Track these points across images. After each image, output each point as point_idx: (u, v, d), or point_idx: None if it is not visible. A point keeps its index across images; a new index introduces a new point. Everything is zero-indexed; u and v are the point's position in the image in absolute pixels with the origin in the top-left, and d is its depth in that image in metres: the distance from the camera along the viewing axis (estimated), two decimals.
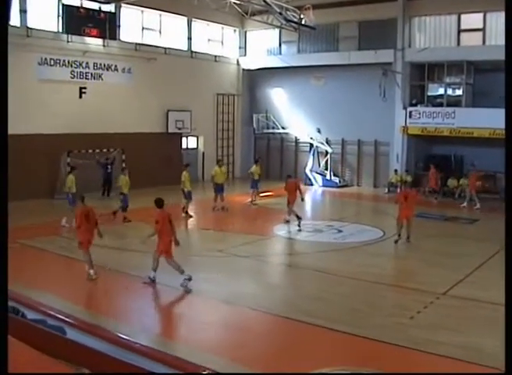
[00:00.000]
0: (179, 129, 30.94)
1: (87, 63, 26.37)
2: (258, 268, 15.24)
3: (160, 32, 30.46)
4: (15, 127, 19.48)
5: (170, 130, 30.51)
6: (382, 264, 15.41)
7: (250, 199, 25.26)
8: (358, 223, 21.34)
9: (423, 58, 28.60)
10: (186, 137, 32.35)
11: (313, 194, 30.47)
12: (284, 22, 27.91)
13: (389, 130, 29.81)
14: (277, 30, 32.87)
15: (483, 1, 26.32)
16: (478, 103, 27.74)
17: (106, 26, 25.99)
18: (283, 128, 33.67)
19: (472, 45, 27.48)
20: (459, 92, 28.93)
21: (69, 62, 25.65)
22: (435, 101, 29.18)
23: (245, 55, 35.37)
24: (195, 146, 33.39)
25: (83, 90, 26.37)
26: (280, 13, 27.21)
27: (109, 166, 26.18)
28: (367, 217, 23.68)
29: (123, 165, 26.07)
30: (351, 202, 28.43)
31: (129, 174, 20.77)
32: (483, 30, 27.14)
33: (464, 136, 27.09)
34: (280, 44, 34.13)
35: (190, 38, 32.08)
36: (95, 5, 25.67)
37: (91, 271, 13.12)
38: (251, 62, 34.95)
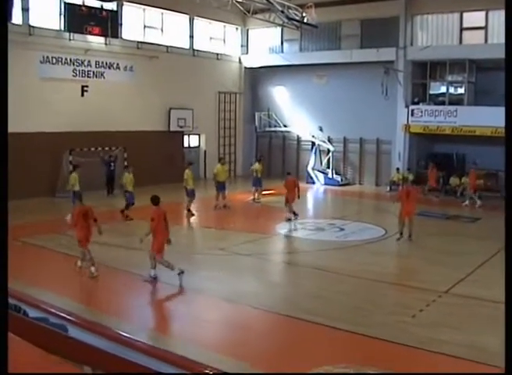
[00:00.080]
0: (181, 127, 30.94)
1: (88, 61, 26.39)
2: (260, 266, 15.24)
3: (162, 30, 30.44)
4: (17, 125, 19.63)
5: (172, 129, 30.52)
6: (384, 262, 15.41)
7: (251, 197, 25.26)
8: (360, 221, 21.33)
9: (425, 57, 28.57)
10: (188, 135, 32.34)
11: (315, 193, 30.47)
12: (286, 20, 27.90)
13: (391, 128, 29.79)
14: (279, 29, 32.84)
15: None
16: (480, 101, 27.71)
17: (108, 24, 26.01)
18: (285, 126, 33.67)
19: (474, 44, 27.46)
20: (461, 90, 28.90)
21: (71, 60, 25.66)
22: (437, 100, 29.16)
23: (247, 53, 35.35)
24: (197, 144, 33.39)
25: (85, 88, 26.40)
26: (282, 11, 27.21)
27: (112, 164, 26.25)
28: (369, 215, 23.67)
29: (125, 163, 26.12)
30: (353, 201, 28.41)
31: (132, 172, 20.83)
32: (485, 28, 27.10)
33: (466, 134, 27.08)
34: (282, 43, 34.10)
35: (191, 36, 32.06)
36: (97, 4, 25.64)
37: (92, 268, 13.15)
38: (253, 61, 34.93)
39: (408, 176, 27.08)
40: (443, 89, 29.31)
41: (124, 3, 27.70)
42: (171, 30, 30.96)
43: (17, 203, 18.23)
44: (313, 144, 32.60)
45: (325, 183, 31.66)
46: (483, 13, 27.12)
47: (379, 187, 30.96)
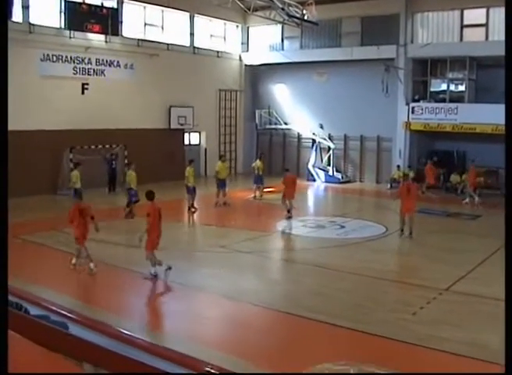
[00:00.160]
0: (182, 125, 30.94)
1: (89, 59, 26.38)
2: (260, 264, 15.25)
3: (162, 28, 30.43)
4: (17, 123, 19.63)
5: (172, 126, 30.51)
6: (385, 260, 15.42)
7: (252, 195, 25.27)
8: (361, 218, 21.32)
9: (426, 54, 28.52)
10: (189, 133, 32.34)
11: (315, 190, 30.48)
12: (286, 17, 27.88)
13: (392, 125, 29.77)
14: (279, 26, 32.82)
15: None
16: (481, 99, 27.69)
17: (108, 22, 25.97)
18: (286, 124, 33.65)
19: (475, 41, 27.42)
20: (461, 88, 28.87)
21: (71, 58, 25.66)
22: (438, 97, 29.13)
23: (247, 50, 35.33)
24: (197, 142, 33.38)
25: (86, 86, 26.40)
26: (283, 9, 27.18)
27: (114, 162, 26.28)
28: (369, 213, 23.66)
29: (126, 161, 26.14)
30: (354, 198, 28.39)
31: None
32: (486, 25, 27.07)
33: (467, 132, 27.07)
34: (283, 40, 34.08)
35: (192, 34, 32.04)
36: (97, 1, 25.70)
37: (91, 264, 13.18)
38: (254, 58, 34.91)
39: (409, 173, 27.07)
40: (444, 86, 29.29)
41: (124, 1, 27.71)
42: (171, 27, 30.94)
43: (18, 201, 18.25)
44: (313, 141, 32.59)
45: (326, 181, 31.65)
46: (484, 10, 27.10)
47: (380, 185, 30.95)
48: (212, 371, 3.99)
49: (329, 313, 10.66)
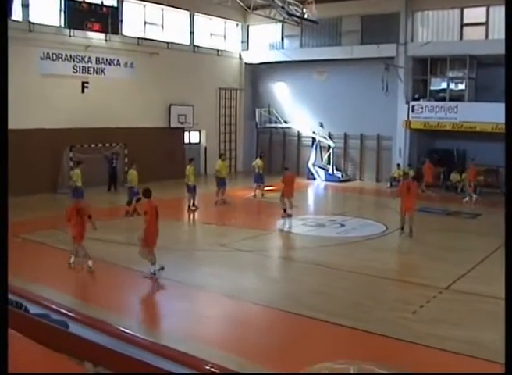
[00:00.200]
0: (182, 123, 30.93)
1: (89, 58, 26.36)
2: (261, 262, 15.25)
3: (162, 26, 30.41)
4: (17, 122, 19.62)
5: (172, 125, 30.51)
6: (385, 258, 15.42)
7: (252, 193, 25.27)
8: (361, 217, 21.32)
9: (426, 53, 28.51)
10: (189, 131, 32.33)
11: (315, 189, 30.48)
12: (286, 16, 27.86)
13: (392, 124, 29.77)
14: (279, 25, 32.79)
15: None
16: (481, 97, 27.68)
17: (108, 20, 25.96)
18: (286, 122, 33.63)
19: (475, 39, 27.41)
20: (461, 86, 28.87)
21: (71, 56, 25.64)
22: (438, 96, 29.12)
23: (247, 49, 35.31)
24: (197, 141, 33.38)
25: (86, 84, 26.39)
26: (283, 7, 27.16)
27: (115, 161, 26.29)
28: (369, 211, 23.67)
29: (125, 160, 26.15)
30: (354, 197, 28.40)
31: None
32: (486, 24, 27.05)
33: (467, 130, 27.06)
34: (283, 39, 34.06)
35: (192, 33, 32.02)
36: (97, 0, 25.62)
37: (89, 262, 13.19)
38: (254, 57, 34.90)
39: (409, 172, 27.07)
40: (444, 85, 29.28)
41: None
42: (171, 26, 30.92)
43: (17, 200, 18.25)
44: (313, 140, 32.59)
45: (326, 180, 31.65)
46: (484, 9, 27.08)
47: (380, 184, 30.96)
48: (212, 370, 3.99)
49: (330, 312, 10.65)
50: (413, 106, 28.83)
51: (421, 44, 28.82)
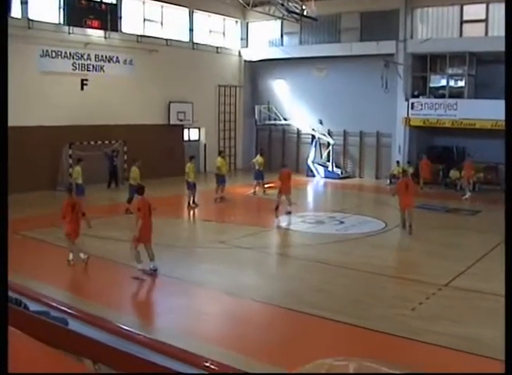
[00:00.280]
0: (181, 121, 30.91)
1: (88, 55, 26.33)
2: (260, 259, 15.26)
3: (162, 23, 30.37)
4: (16, 119, 19.59)
5: (172, 122, 30.49)
6: (384, 255, 15.42)
7: (252, 190, 25.26)
8: (360, 214, 21.34)
9: (425, 50, 28.48)
10: (188, 128, 32.32)
11: (315, 186, 30.49)
12: (286, 13, 27.86)
13: (391, 121, 29.76)
14: (279, 21, 32.76)
15: None
16: (481, 94, 27.67)
17: (108, 17, 25.94)
18: (285, 119, 33.64)
19: (475, 36, 27.39)
20: (461, 83, 28.84)
21: (70, 54, 25.61)
22: (437, 93, 29.11)
23: (247, 46, 35.27)
24: (197, 138, 33.36)
25: (85, 82, 26.37)
26: (282, 4, 27.15)
27: (115, 158, 26.28)
28: (369, 208, 23.68)
29: (125, 157, 26.14)
30: (353, 194, 28.41)
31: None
32: (486, 20, 27.02)
33: (466, 127, 27.06)
34: (282, 36, 34.02)
35: (191, 30, 31.99)
36: None
37: (81, 254, 13.22)
38: (253, 54, 34.87)
39: (408, 169, 27.04)
40: (443, 82, 29.27)
41: None
42: (170, 23, 30.89)
43: (17, 197, 18.23)
44: (313, 137, 32.59)
45: (325, 177, 31.66)
46: (483, 6, 27.04)
47: (379, 181, 30.96)
48: (212, 367, 3.99)
49: (329, 309, 10.66)
50: (412, 103, 28.82)
51: (421, 40, 28.79)
